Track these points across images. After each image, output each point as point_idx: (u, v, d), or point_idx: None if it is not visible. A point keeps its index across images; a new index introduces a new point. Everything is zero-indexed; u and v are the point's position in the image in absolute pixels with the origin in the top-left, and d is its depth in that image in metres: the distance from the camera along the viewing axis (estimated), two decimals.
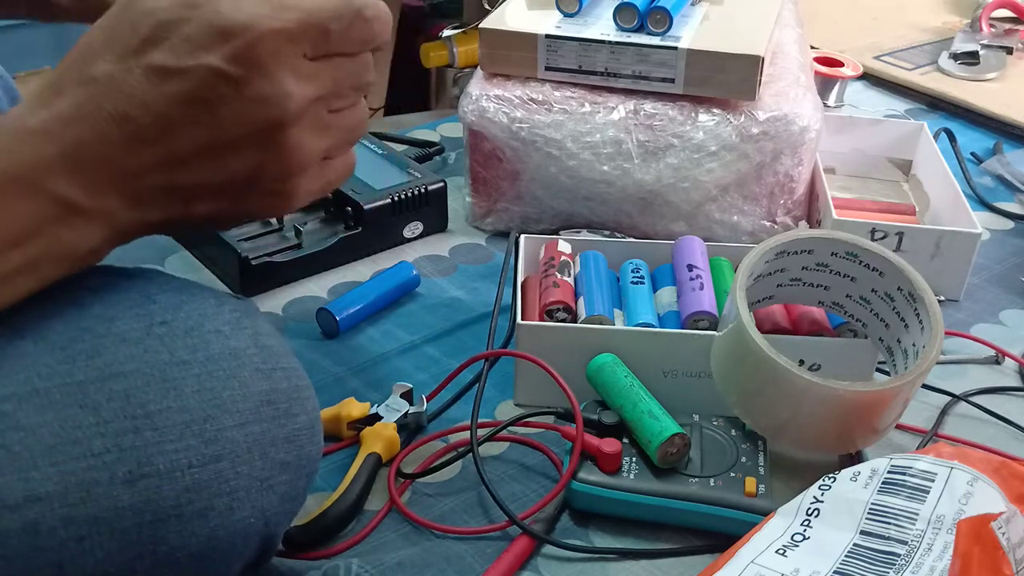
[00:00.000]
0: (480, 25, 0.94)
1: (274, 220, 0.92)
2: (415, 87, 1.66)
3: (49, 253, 0.46)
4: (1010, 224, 1.05)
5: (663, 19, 0.90)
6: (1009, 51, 1.40)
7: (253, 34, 0.45)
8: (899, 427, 0.75)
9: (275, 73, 0.45)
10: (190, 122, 0.45)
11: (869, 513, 0.56)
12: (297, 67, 0.46)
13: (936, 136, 1.08)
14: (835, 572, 0.54)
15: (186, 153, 0.46)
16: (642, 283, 0.80)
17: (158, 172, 0.46)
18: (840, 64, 1.28)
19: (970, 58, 1.37)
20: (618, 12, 0.91)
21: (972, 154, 1.17)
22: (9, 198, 0.44)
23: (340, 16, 0.48)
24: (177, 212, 0.48)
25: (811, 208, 0.96)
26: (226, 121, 0.45)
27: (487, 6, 1.11)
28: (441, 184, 0.97)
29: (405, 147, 1.11)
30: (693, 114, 0.90)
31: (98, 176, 0.45)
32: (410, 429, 0.73)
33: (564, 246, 0.82)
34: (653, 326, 0.75)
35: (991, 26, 1.46)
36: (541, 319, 0.76)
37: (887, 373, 0.74)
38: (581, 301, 0.77)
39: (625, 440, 0.68)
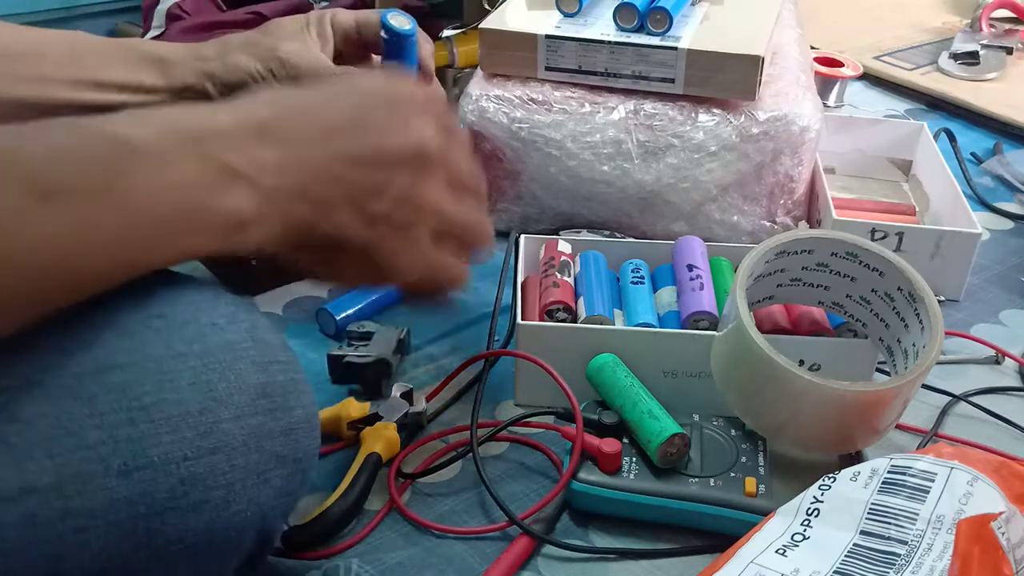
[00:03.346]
0: (480, 25, 0.94)
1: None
2: None
3: (206, 220, 0.46)
4: (1010, 224, 1.05)
5: (663, 19, 0.90)
6: (1009, 51, 1.41)
7: (407, 90, 0.54)
8: (899, 427, 0.75)
9: (427, 117, 0.53)
10: (356, 129, 0.51)
11: (869, 513, 0.56)
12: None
13: (936, 136, 1.08)
14: (835, 572, 0.54)
15: (352, 154, 0.50)
16: (642, 283, 0.80)
17: (325, 161, 0.50)
18: (840, 64, 1.28)
19: (970, 58, 1.37)
20: (618, 12, 0.91)
21: (972, 154, 1.17)
22: (176, 156, 0.45)
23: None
24: (310, 213, 0.50)
25: (811, 208, 0.96)
26: (383, 135, 0.51)
27: (487, 6, 1.11)
28: None
29: None
30: (693, 114, 0.90)
31: (268, 152, 0.48)
32: (410, 429, 0.73)
33: (564, 246, 0.82)
34: (653, 326, 0.75)
35: (991, 26, 1.46)
36: (541, 319, 0.76)
37: (887, 373, 0.74)
38: (581, 301, 0.77)
39: (625, 440, 0.68)
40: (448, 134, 0.55)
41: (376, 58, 0.75)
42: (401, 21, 0.70)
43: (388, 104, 0.52)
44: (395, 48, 0.70)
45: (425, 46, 0.75)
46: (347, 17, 0.74)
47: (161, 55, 0.68)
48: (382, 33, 0.71)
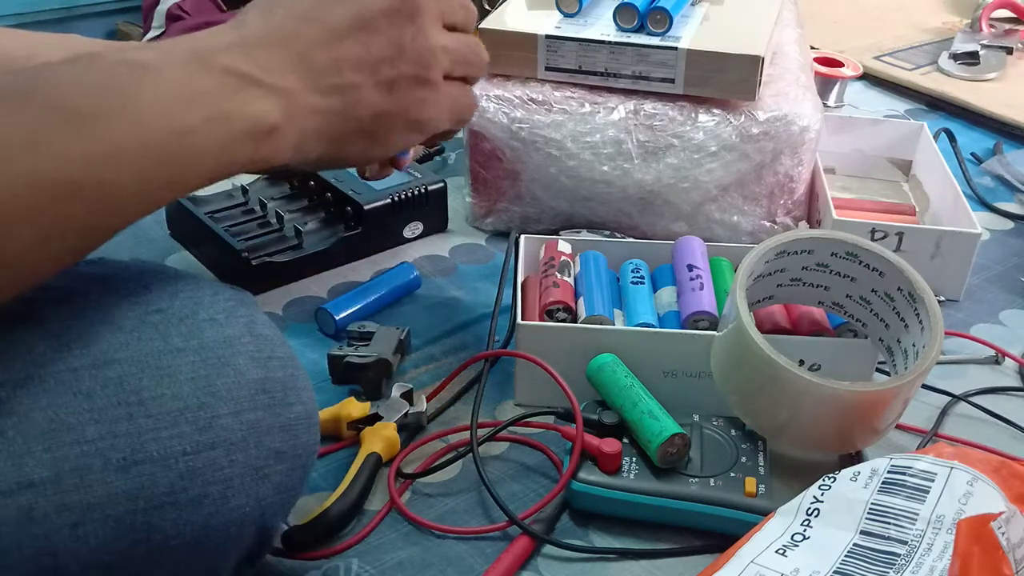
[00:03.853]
0: (480, 25, 0.94)
1: (277, 219, 0.92)
2: None
3: (233, 127, 0.48)
4: (1010, 224, 1.05)
5: (663, 19, 0.90)
6: (1009, 51, 1.41)
7: None
8: (899, 427, 0.75)
9: None
10: (337, 2, 0.53)
11: (869, 513, 0.56)
12: None
13: (936, 136, 1.08)
14: (835, 572, 0.54)
15: (338, 28, 0.53)
16: (642, 283, 0.80)
17: (321, 48, 0.52)
18: (840, 64, 1.28)
19: (970, 58, 1.37)
20: (618, 12, 0.91)
21: (972, 154, 1.17)
22: (186, 71, 0.47)
23: None
24: (339, 103, 0.53)
25: (811, 208, 0.96)
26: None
27: (487, 6, 1.12)
28: (441, 184, 0.97)
29: None
30: (693, 114, 0.90)
31: (271, 55, 0.50)
32: (410, 429, 0.74)
33: (564, 246, 0.82)
34: (653, 326, 0.75)
35: (991, 26, 1.46)
36: (541, 319, 0.76)
37: (887, 373, 0.74)
38: (581, 301, 0.77)
39: (625, 440, 0.68)
40: None
41: None
42: None
43: None
44: None
45: None
46: None
47: None
48: None
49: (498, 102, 0.91)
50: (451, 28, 0.59)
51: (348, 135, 0.55)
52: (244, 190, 0.97)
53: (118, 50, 0.48)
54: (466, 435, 0.70)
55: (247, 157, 0.49)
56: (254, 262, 0.87)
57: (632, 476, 0.66)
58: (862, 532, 0.56)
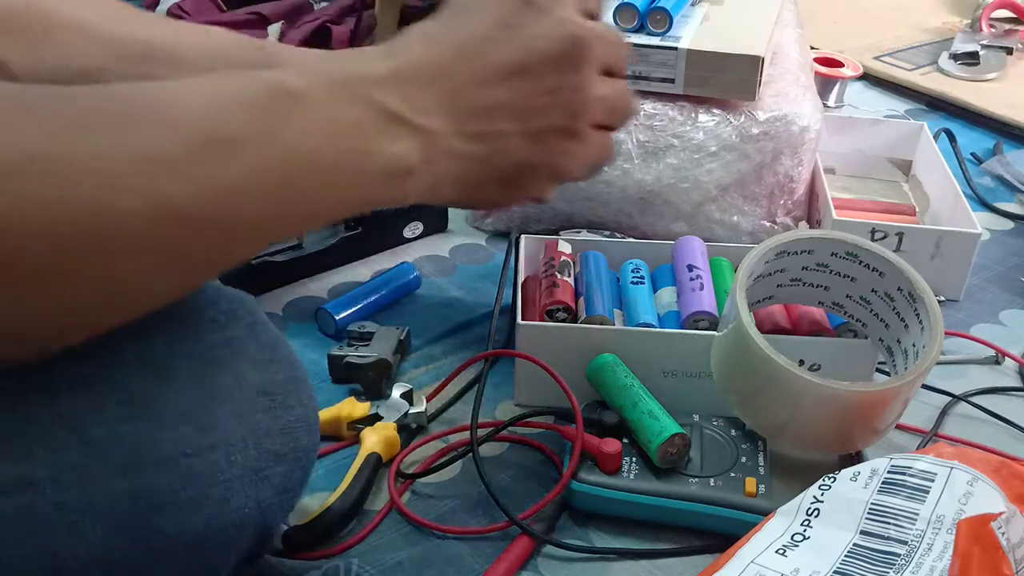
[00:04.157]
0: None
1: None
2: None
3: (371, 164, 0.46)
4: (1010, 224, 1.05)
5: (663, 19, 0.90)
6: (1009, 51, 1.41)
7: None
8: (899, 427, 0.75)
9: (568, 5, 0.52)
10: (503, 40, 0.50)
11: (869, 513, 0.56)
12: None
13: (936, 136, 1.08)
14: (835, 572, 0.54)
15: (499, 70, 0.50)
16: (642, 283, 0.80)
17: (475, 90, 0.49)
18: (840, 64, 1.28)
19: (970, 58, 1.37)
20: (618, 12, 0.91)
21: (972, 154, 1.17)
22: (336, 102, 0.45)
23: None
24: (482, 151, 0.50)
25: (811, 208, 0.96)
26: (535, 40, 0.50)
27: None
28: None
29: None
30: (693, 114, 0.90)
31: (423, 92, 0.48)
32: (410, 429, 0.74)
33: (564, 246, 0.82)
34: (653, 326, 0.75)
35: (991, 26, 1.46)
36: (541, 319, 0.76)
37: (887, 373, 0.74)
38: (581, 301, 0.77)
39: (625, 440, 0.68)
40: (587, 10, 0.54)
41: None
42: None
43: (529, 1, 0.51)
44: None
45: None
46: None
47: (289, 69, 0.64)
48: None
49: None
50: (607, 72, 0.55)
51: (485, 182, 0.52)
52: None
53: (260, 71, 0.45)
54: (466, 435, 0.70)
55: (379, 196, 0.47)
56: (254, 262, 0.87)
57: (632, 476, 0.66)
58: (862, 532, 0.56)
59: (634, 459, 0.67)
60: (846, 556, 0.55)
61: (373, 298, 0.86)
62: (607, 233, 0.94)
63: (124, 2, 0.58)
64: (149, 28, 0.57)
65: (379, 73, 0.47)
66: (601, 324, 0.75)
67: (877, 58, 1.40)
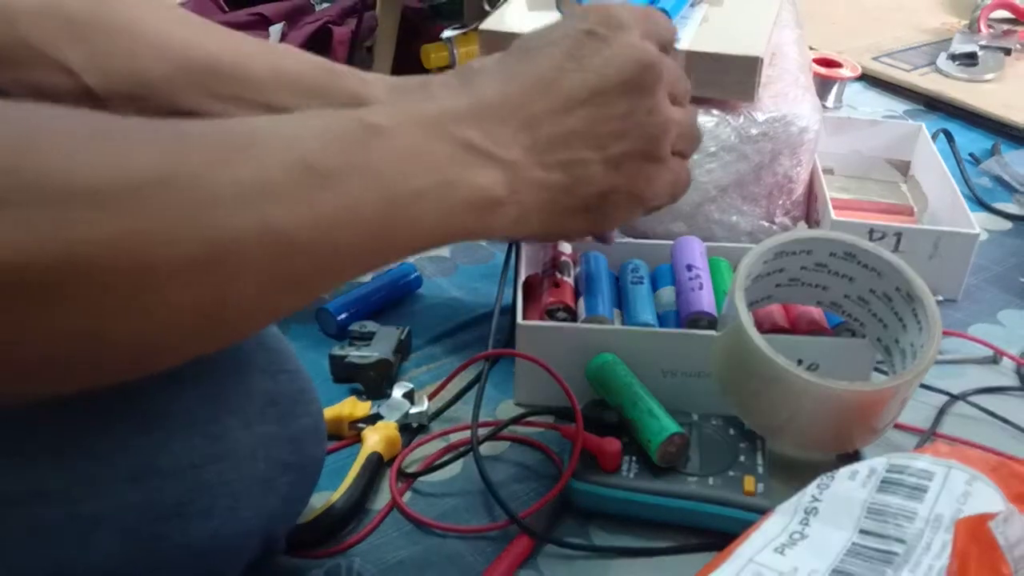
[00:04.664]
0: (480, 27, 0.94)
1: None
2: None
3: (458, 196, 0.46)
4: (1008, 225, 1.05)
5: None
6: (1007, 52, 1.41)
7: (612, 10, 0.55)
8: (897, 426, 0.75)
9: (634, 30, 0.54)
10: (572, 71, 0.52)
11: (867, 512, 0.57)
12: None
13: (934, 137, 1.09)
14: (833, 570, 0.54)
15: (572, 99, 0.51)
16: (642, 283, 0.80)
17: (551, 120, 0.50)
18: (839, 65, 1.28)
19: (968, 59, 1.37)
20: None
21: (970, 155, 1.18)
22: (422, 139, 0.46)
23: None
24: (565, 179, 0.51)
25: (810, 209, 0.96)
26: (603, 67, 0.52)
27: (487, 7, 1.11)
28: None
29: None
30: None
31: (502, 127, 0.49)
32: (411, 429, 0.74)
33: (564, 246, 0.82)
34: (653, 326, 0.76)
35: (989, 27, 1.46)
36: (541, 319, 0.76)
37: (885, 373, 0.74)
38: (581, 301, 0.77)
39: (625, 439, 0.68)
40: (656, 36, 0.55)
41: None
42: None
43: (592, 33, 0.53)
44: None
45: None
46: None
47: (364, 99, 0.60)
48: None
49: None
50: (673, 101, 0.56)
51: (570, 211, 0.53)
52: None
53: (347, 109, 0.46)
54: (467, 434, 0.70)
55: (468, 227, 0.48)
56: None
57: (632, 475, 0.66)
58: (860, 531, 0.56)
59: (634, 458, 0.67)
60: (844, 555, 0.55)
61: (374, 298, 0.86)
62: None
63: (188, 11, 0.59)
64: (216, 40, 0.58)
65: (458, 110, 0.48)
66: (601, 324, 0.75)
67: (876, 59, 1.40)
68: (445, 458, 0.71)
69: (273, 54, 0.59)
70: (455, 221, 0.47)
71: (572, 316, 0.77)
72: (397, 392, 0.74)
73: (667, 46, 0.56)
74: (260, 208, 0.38)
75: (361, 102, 0.59)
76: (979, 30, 1.45)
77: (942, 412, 0.78)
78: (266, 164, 0.39)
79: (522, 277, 0.81)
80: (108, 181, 0.35)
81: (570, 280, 0.79)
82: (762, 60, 0.87)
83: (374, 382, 0.75)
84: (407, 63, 1.18)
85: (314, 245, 0.41)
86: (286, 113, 0.55)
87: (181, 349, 0.40)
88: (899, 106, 1.32)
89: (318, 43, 1.19)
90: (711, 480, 0.66)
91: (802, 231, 0.85)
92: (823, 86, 1.25)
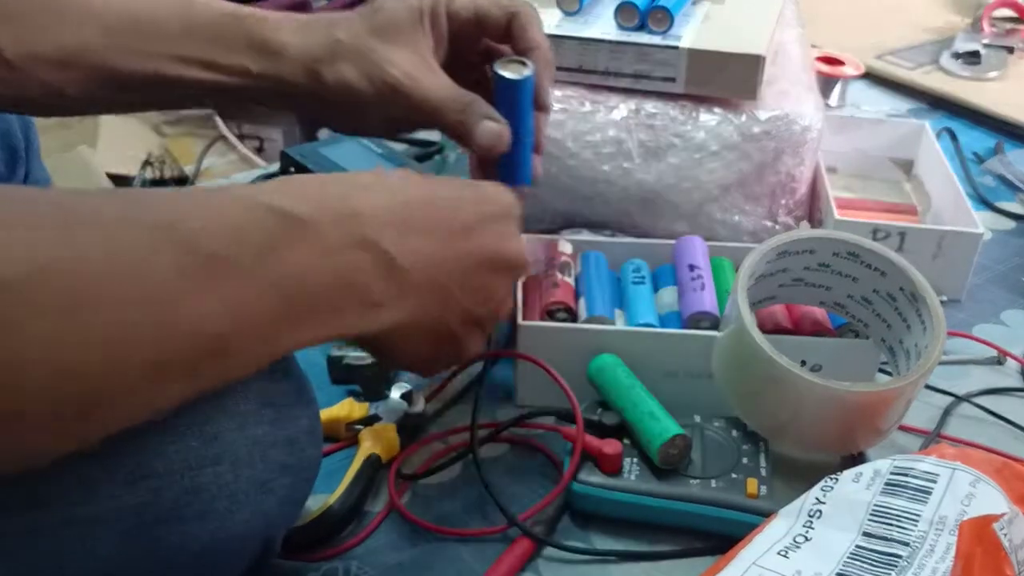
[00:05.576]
0: None
1: None
2: None
3: (349, 296, 0.46)
4: (1012, 224, 1.05)
5: (664, 18, 0.90)
6: (1010, 50, 1.40)
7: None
8: (901, 428, 0.74)
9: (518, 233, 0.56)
10: (487, 231, 0.53)
11: (871, 514, 0.56)
12: None
13: (938, 136, 1.08)
14: (837, 574, 0.54)
15: (467, 228, 0.52)
16: (643, 283, 0.79)
17: (449, 240, 0.51)
18: (842, 63, 1.28)
19: (972, 58, 1.37)
20: (619, 11, 0.91)
21: (974, 154, 1.17)
22: (335, 233, 0.45)
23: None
24: (444, 309, 0.51)
25: (813, 208, 0.96)
26: (505, 245, 0.54)
27: None
28: None
29: (405, 147, 1.10)
30: (694, 114, 0.89)
31: (415, 241, 0.49)
32: (409, 430, 0.73)
33: (565, 246, 0.82)
34: (654, 326, 0.75)
35: (992, 26, 1.46)
36: (542, 319, 0.76)
37: (889, 374, 0.74)
38: (582, 301, 0.77)
39: (626, 441, 0.68)
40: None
41: (505, 47, 0.67)
42: (514, 69, 0.64)
43: (502, 216, 0.54)
44: (507, 94, 0.65)
45: (544, 77, 0.66)
46: (465, 8, 0.65)
47: (276, 47, 0.62)
48: (494, 77, 0.65)
49: None
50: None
51: (436, 334, 0.53)
52: None
53: (259, 191, 0.45)
54: (466, 436, 0.70)
55: (351, 328, 0.47)
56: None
57: (633, 477, 0.66)
58: (864, 533, 0.56)
59: (635, 460, 0.67)
60: (848, 557, 0.55)
61: None
62: (608, 233, 0.93)
63: None
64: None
65: (375, 209, 0.47)
66: (602, 324, 0.75)
67: (879, 57, 1.40)
68: (444, 460, 0.70)
69: (184, 5, 0.60)
70: (342, 322, 0.46)
71: (572, 316, 0.76)
72: (395, 393, 0.74)
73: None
74: (161, 305, 0.38)
75: (267, 47, 0.60)
76: (982, 28, 1.45)
77: (946, 413, 0.77)
78: (167, 258, 0.39)
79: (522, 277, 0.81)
80: None
81: (570, 280, 0.79)
82: (764, 58, 0.87)
83: (372, 383, 0.75)
84: None
85: (196, 341, 0.40)
86: (197, 66, 0.58)
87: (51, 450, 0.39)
88: (902, 105, 1.31)
89: None
90: (713, 482, 0.66)
91: (805, 231, 0.85)
92: (826, 84, 1.24)
